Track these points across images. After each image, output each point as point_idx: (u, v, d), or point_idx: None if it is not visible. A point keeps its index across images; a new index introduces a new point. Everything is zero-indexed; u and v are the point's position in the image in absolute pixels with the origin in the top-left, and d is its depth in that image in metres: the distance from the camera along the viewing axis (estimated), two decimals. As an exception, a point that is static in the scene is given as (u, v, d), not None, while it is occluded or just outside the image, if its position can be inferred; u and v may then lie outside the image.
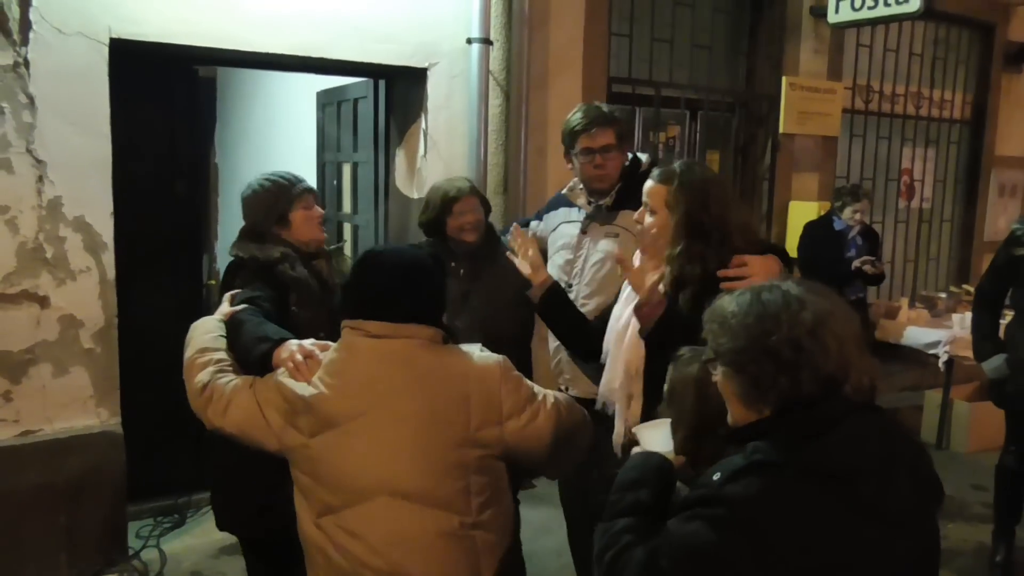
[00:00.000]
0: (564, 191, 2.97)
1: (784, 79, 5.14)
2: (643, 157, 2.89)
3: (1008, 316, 3.69)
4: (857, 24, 5.14)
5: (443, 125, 3.94)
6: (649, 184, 2.19)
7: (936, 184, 6.51)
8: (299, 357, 1.77)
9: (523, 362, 3.00)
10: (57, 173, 3.05)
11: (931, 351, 4.90)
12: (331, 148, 4.84)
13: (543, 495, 3.57)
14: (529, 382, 1.78)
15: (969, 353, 4.76)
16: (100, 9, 3.05)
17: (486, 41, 3.85)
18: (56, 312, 3.12)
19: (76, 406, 3.20)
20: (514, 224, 2.44)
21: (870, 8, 4.88)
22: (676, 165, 2.17)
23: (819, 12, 5.14)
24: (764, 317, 1.26)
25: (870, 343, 5.15)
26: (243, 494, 2.24)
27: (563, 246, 2.87)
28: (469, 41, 3.83)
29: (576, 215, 2.88)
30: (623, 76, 4.58)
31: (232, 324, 2.03)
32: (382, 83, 4.17)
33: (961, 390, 5.24)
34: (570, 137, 2.78)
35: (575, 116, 2.78)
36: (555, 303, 2.40)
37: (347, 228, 4.78)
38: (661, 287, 2.11)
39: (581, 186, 2.86)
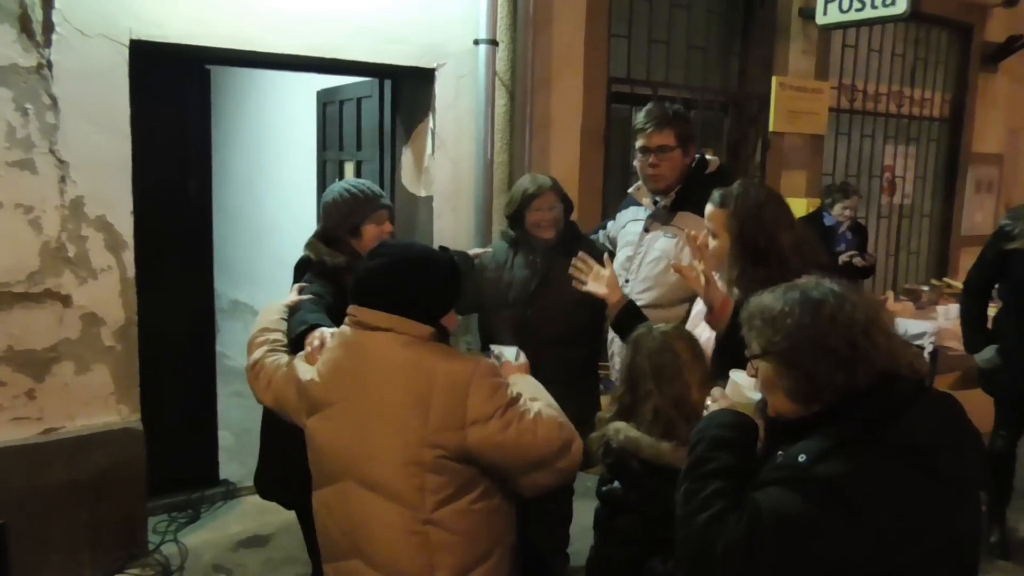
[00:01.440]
0: (630, 190, 3.08)
1: (774, 79, 5.28)
2: (711, 158, 2.98)
3: (995, 308, 3.87)
4: (844, 26, 5.30)
5: (451, 125, 4.02)
6: (709, 208, 2.24)
7: (916, 180, 6.70)
8: (316, 343, 1.90)
9: (590, 358, 3.16)
10: (79, 173, 3.09)
11: (917, 342, 5.08)
12: (333, 147, 4.88)
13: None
14: (515, 392, 1.73)
15: (953, 344, 4.97)
16: (121, 11, 3.09)
17: (492, 42, 3.93)
18: (78, 310, 3.15)
19: (98, 403, 3.24)
20: (579, 253, 2.49)
21: (857, 10, 5.03)
22: (735, 186, 2.21)
23: (808, 14, 5.29)
24: (820, 316, 1.35)
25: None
26: (293, 463, 2.34)
27: (627, 243, 3.00)
28: (476, 42, 3.91)
29: (642, 214, 3.00)
30: (622, 76, 4.68)
31: (292, 309, 2.18)
32: (388, 83, 4.24)
33: (945, 380, 5.42)
34: (634, 135, 2.90)
35: (639, 114, 2.90)
36: (629, 321, 2.36)
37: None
38: (722, 286, 2.17)
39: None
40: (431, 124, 4.02)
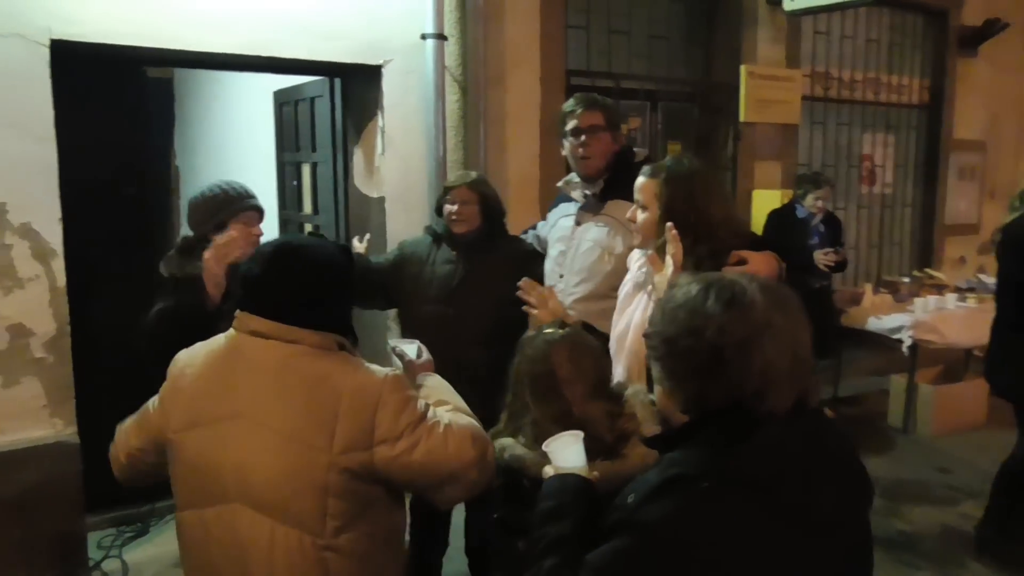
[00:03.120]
0: (560, 183, 3.00)
1: (743, 68, 5.16)
2: (638, 150, 2.95)
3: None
4: (813, 11, 5.17)
5: (400, 122, 3.91)
6: (640, 180, 2.22)
7: (897, 169, 6.57)
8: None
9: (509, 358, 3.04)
10: (1, 179, 2.98)
11: (895, 335, 4.95)
12: (290, 148, 4.78)
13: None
14: (423, 404, 1.61)
15: (932, 337, 4.84)
16: (40, 10, 2.98)
17: (440, 36, 3.82)
18: (4, 321, 3.04)
19: (28, 417, 3.13)
20: (523, 279, 2.39)
21: (825, -5, 4.92)
22: (667, 159, 2.21)
23: (775, 0, 5.16)
24: (697, 314, 1.19)
25: (836, 329, 5.20)
26: None
27: (559, 239, 2.93)
28: (423, 37, 3.80)
29: (572, 208, 2.93)
30: (581, 69, 4.57)
31: None
32: (338, 81, 4.13)
33: (926, 374, 5.30)
34: (561, 120, 2.85)
35: (568, 101, 2.87)
36: None
37: (307, 229, 4.72)
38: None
39: (577, 179, 2.90)
40: (380, 123, 3.91)
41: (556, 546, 1.31)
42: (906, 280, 5.83)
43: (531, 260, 3.02)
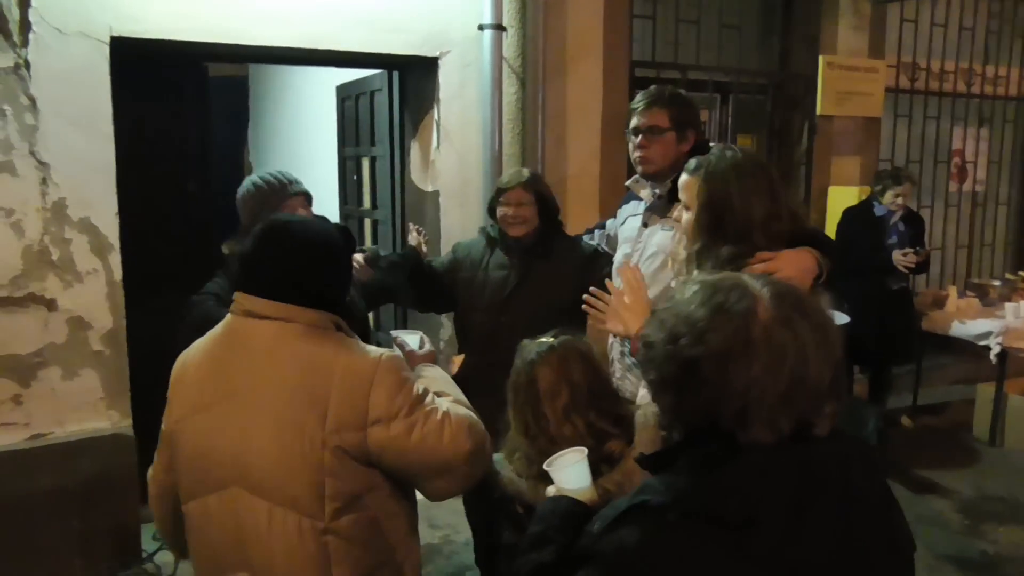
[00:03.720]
0: (628, 182, 2.86)
1: (821, 58, 4.90)
2: (714, 146, 2.74)
3: None
4: (900, -3, 4.88)
5: (456, 116, 3.83)
6: (683, 178, 2.02)
7: (990, 166, 6.17)
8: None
9: None
10: (61, 175, 3.03)
11: (981, 342, 4.62)
12: (351, 142, 4.77)
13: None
14: (423, 388, 1.56)
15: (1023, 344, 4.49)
16: (100, 8, 3.01)
17: (498, 27, 3.72)
18: (64, 315, 3.10)
19: (87, 409, 3.19)
20: (590, 289, 2.14)
21: (914, -20, 4.62)
22: (711, 152, 2.00)
23: (858, -14, 4.89)
24: (680, 319, 1.03)
25: (916, 334, 4.89)
26: None
27: (626, 239, 2.76)
28: (481, 28, 3.71)
29: (641, 207, 2.75)
30: (647, 60, 4.40)
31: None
32: (396, 74, 4.09)
33: (1016, 384, 4.93)
34: (628, 117, 2.68)
35: (637, 95, 2.70)
36: None
37: (367, 224, 4.71)
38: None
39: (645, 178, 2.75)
40: (436, 116, 3.84)
41: (535, 574, 1.25)
42: (997, 283, 5.44)
43: (592, 264, 2.88)
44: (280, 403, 1.48)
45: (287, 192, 2.45)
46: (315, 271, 1.56)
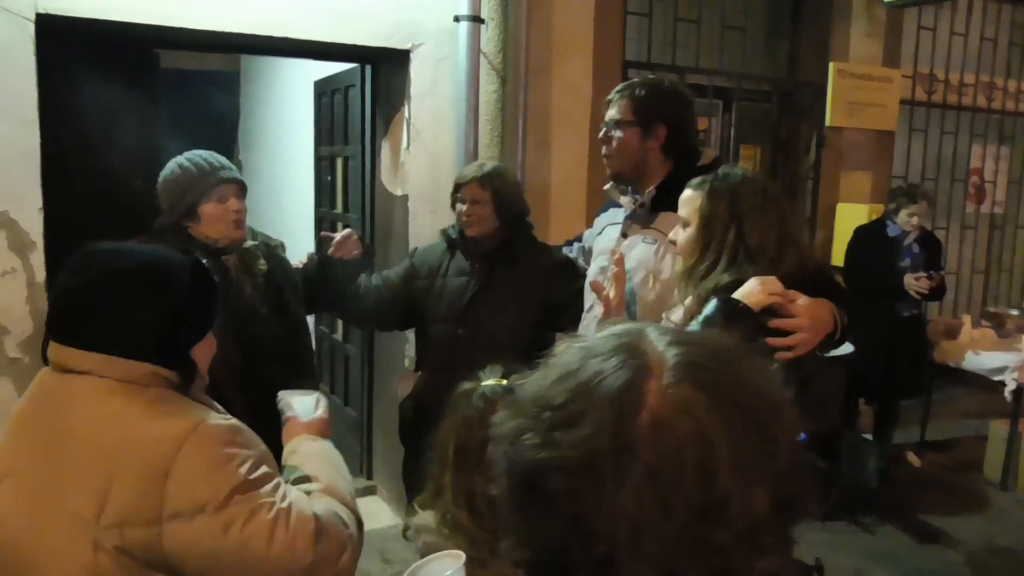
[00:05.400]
0: (607, 188, 2.58)
1: (831, 65, 4.57)
2: (705, 149, 2.46)
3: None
4: (918, 3, 4.55)
5: (428, 114, 3.52)
6: (685, 192, 1.86)
7: (1010, 186, 5.82)
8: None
9: None
10: (-24, 164, 2.75)
11: (996, 377, 4.27)
12: (327, 141, 4.48)
13: None
14: (262, 472, 1.20)
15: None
16: (25, -20, 2.73)
17: (476, 19, 3.41)
18: (-24, 318, 2.81)
19: (2, 420, 2.89)
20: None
21: (933, -16, 4.30)
22: (721, 169, 1.86)
23: (873, -11, 4.56)
24: (531, 404, 0.66)
25: (927, 364, 4.54)
26: None
27: (602, 251, 2.48)
28: (457, 19, 3.40)
29: (620, 216, 2.49)
30: (641, 61, 4.08)
31: None
32: (368, 69, 3.79)
33: (1033, 423, 4.57)
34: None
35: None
36: None
37: (339, 227, 4.41)
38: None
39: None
40: (407, 113, 3.53)
41: None
42: (1015, 313, 5.08)
43: (561, 274, 2.61)
44: (49, 484, 1.16)
45: (216, 178, 2.18)
46: (129, 311, 1.22)
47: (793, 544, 0.63)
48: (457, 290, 2.58)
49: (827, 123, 4.63)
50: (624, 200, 2.46)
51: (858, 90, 4.67)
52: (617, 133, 2.29)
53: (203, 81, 6.91)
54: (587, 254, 2.66)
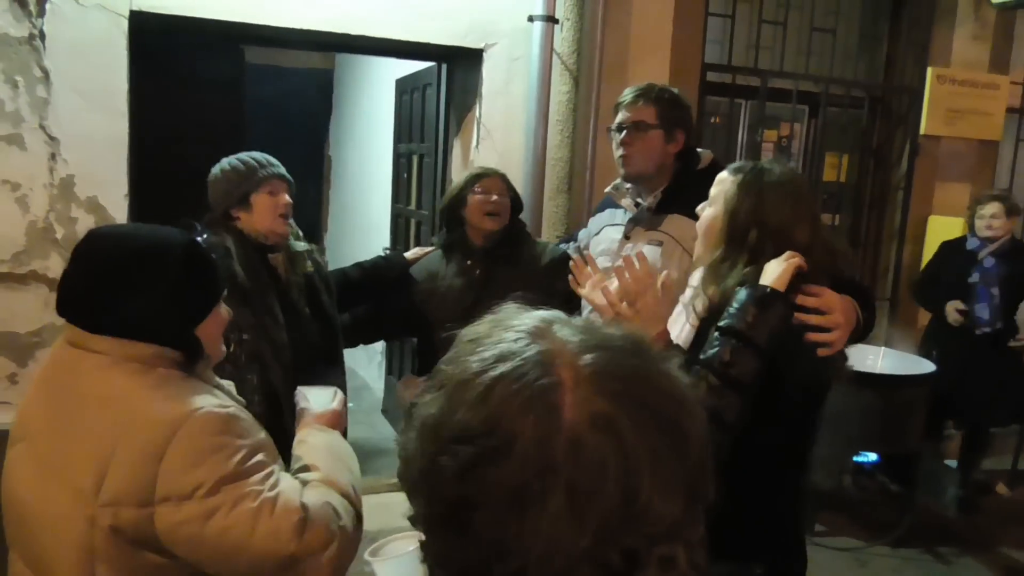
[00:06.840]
0: (608, 189, 2.57)
1: (930, 70, 4.33)
2: (703, 151, 2.44)
3: None
4: (1032, 4, 4.26)
5: (500, 113, 3.54)
6: (721, 173, 1.81)
7: None
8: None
9: None
10: (70, 151, 2.93)
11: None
12: (405, 138, 4.57)
13: None
14: (256, 461, 1.19)
15: None
16: (121, -21, 2.90)
17: (551, 19, 3.41)
18: (65, 295, 3.00)
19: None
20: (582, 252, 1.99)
21: (1049, -16, 4.01)
22: (765, 160, 1.82)
23: (980, -10, 4.29)
24: (447, 398, 0.63)
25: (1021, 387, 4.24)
26: None
27: (603, 252, 2.47)
28: (531, 19, 3.40)
29: (621, 217, 2.49)
30: (722, 64, 3.98)
31: None
32: (444, 68, 3.84)
33: None
34: (613, 112, 2.46)
35: (625, 90, 2.46)
36: None
37: (412, 224, 4.49)
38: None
39: (628, 185, 2.48)
40: (478, 113, 3.56)
41: None
42: None
43: (561, 267, 2.56)
44: (54, 455, 1.19)
45: (269, 172, 2.25)
46: (127, 295, 1.22)
47: (701, 528, 0.61)
48: (457, 292, 2.52)
49: (922, 131, 4.40)
50: (625, 202, 2.45)
51: (959, 97, 4.41)
52: (642, 135, 2.31)
53: (298, 78, 7.15)
54: (582, 255, 2.63)
